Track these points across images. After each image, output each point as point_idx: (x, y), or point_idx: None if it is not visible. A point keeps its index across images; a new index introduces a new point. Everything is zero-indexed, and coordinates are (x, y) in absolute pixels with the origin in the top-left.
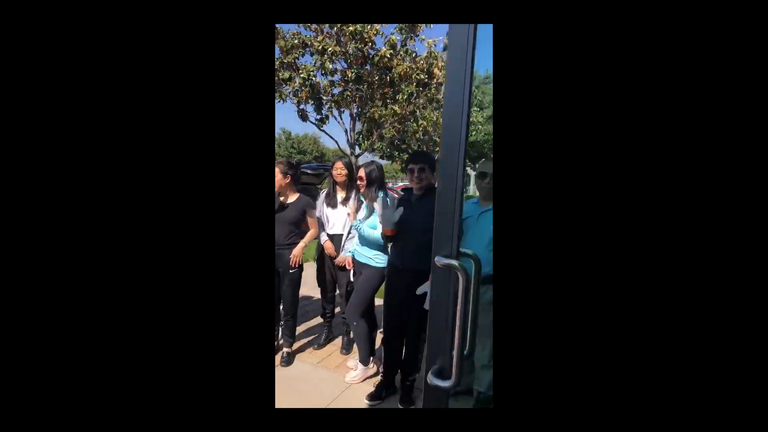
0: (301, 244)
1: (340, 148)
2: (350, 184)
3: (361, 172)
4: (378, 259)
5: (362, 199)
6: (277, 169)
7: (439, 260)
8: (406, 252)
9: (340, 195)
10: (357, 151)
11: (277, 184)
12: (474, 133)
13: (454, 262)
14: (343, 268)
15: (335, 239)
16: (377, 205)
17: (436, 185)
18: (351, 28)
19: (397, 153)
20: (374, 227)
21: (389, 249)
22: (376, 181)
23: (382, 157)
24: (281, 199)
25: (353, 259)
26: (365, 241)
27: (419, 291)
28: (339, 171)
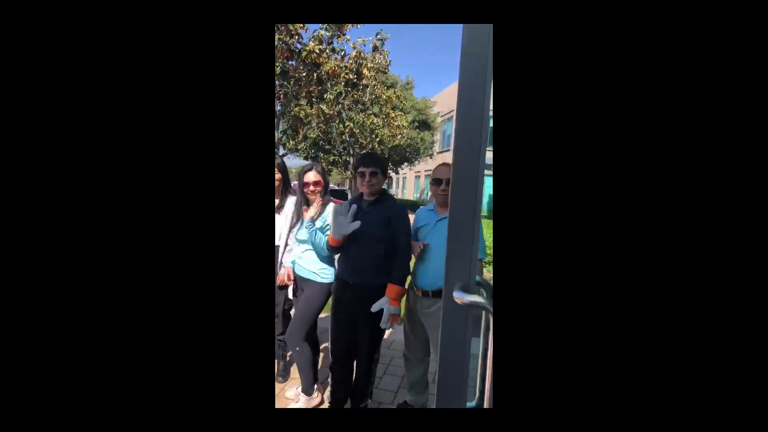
0: None
1: None
2: (284, 189)
3: (315, 177)
4: (323, 274)
5: (306, 206)
6: None
7: (460, 296)
8: (358, 265)
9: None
10: (281, 151)
11: None
12: (399, 137)
13: (480, 300)
14: (281, 286)
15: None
16: (330, 212)
17: (387, 190)
18: None
19: (321, 154)
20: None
21: (336, 262)
22: (327, 185)
23: (306, 158)
24: None
25: (294, 273)
26: (314, 250)
27: (374, 308)
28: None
